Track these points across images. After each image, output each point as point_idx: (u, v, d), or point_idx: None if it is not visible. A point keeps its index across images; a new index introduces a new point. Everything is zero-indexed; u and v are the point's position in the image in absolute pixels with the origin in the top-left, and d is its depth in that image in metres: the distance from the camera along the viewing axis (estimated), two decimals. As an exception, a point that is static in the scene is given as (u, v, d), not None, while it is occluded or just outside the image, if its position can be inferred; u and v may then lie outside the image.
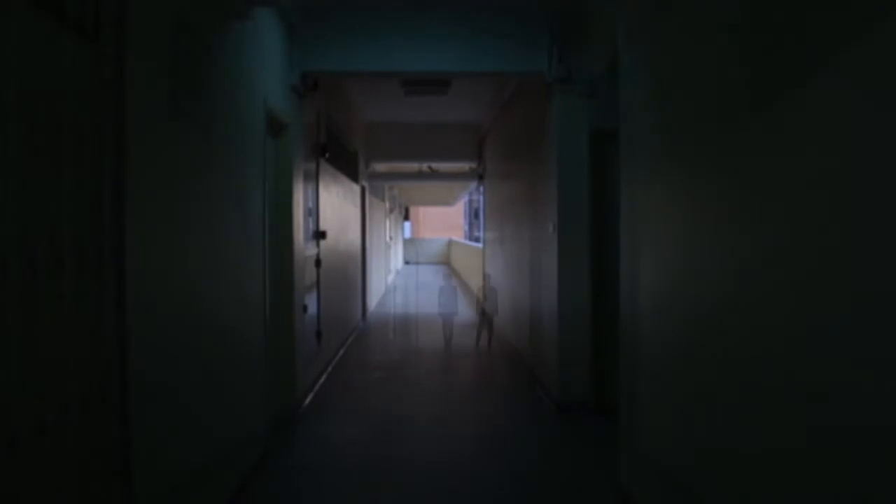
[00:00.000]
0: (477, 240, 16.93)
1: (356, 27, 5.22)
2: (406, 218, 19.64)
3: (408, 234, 19.82)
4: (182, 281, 2.66)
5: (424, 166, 12.17)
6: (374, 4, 5.24)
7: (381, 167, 11.17)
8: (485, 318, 13.82)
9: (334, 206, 6.13)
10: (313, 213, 5.23)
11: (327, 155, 6.22)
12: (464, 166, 11.77)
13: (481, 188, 13.15)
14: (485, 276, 14.36)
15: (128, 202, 2.19)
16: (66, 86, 1.89)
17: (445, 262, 24.94)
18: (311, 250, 5.14)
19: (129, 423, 2.13)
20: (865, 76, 1.42)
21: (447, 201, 21.78)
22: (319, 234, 5.94)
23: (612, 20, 4.03)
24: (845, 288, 1.49)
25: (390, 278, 12.91)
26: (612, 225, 4.36)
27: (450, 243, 26.04)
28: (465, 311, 21.03)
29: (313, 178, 5.34)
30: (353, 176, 8.09)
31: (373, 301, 8.74)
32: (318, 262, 5.29)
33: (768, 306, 1.86)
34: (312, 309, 4.99)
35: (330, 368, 6.27)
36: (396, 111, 8.74)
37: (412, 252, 22.84)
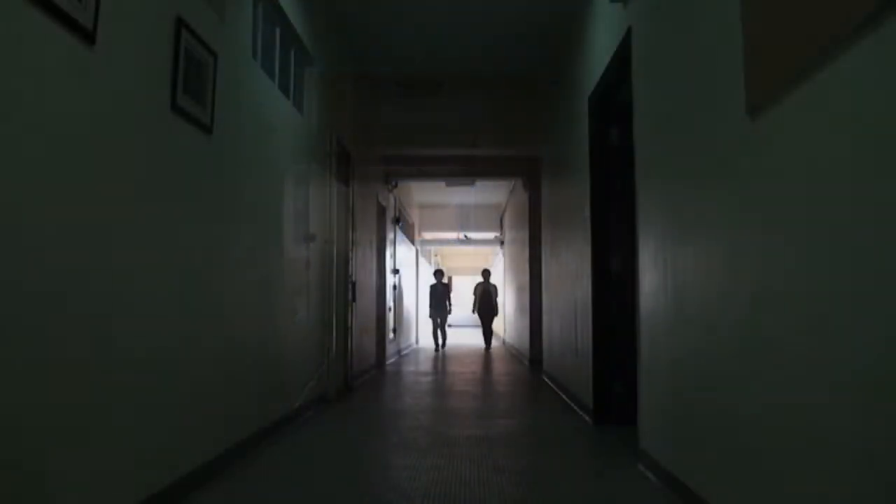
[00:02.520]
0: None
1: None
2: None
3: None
4: (174, 279, 2.65)
5: (461, 235, 15.67)
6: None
7: (428, 235, 15.27)
8: (484, 319, 12.92)
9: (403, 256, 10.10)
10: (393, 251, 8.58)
11: (400, 224, 10.02)
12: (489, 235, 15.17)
13: (502, 251, 14.48)
14: (483, 273, 13.16)
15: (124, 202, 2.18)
16: (61, 84, 1.88)
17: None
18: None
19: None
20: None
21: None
22: (395, 271, 9.45)
23: (611, 23, 4.03)
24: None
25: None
26: (617, 230, 4.36)
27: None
28: (463, 311, 20.75)
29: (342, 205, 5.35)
30: (411, 238, 12.18)
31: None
32: (353, 286, 6.02)
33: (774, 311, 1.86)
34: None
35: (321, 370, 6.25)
36: (439, 197, 12.98)
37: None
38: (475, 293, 13.22)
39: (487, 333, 12.98)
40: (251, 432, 3.51)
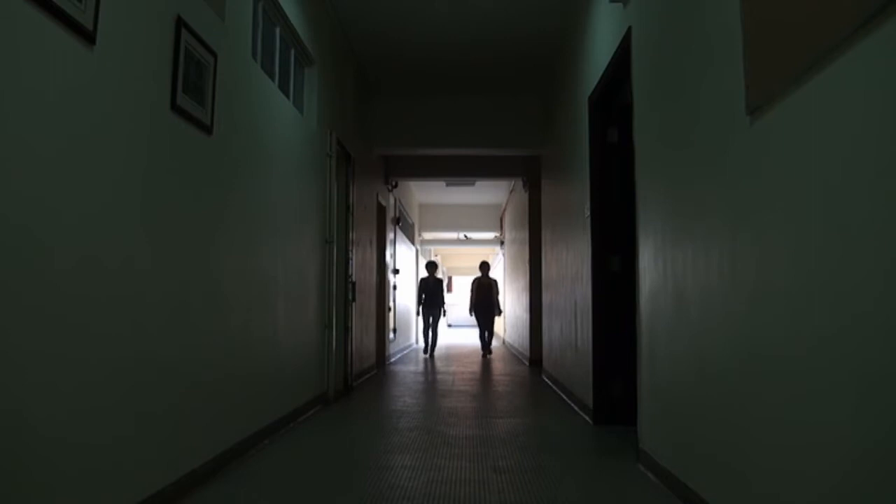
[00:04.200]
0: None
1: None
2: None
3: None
4: (170, 282, 2.65)
5: (461, 235, 15.72)
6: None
7: (428, 235, 15.46)
8: (482, 320, 10.78)
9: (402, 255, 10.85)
10: (393, 256, 9.55)
11: (400, 224, 10.37)
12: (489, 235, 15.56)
13: (502, 251, 14.39)
14: (481, 266, 11.09)
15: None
16: (61, 84, 1.88)
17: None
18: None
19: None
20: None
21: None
22: (395, 271, 9.82)
23: (611, 23, 4.03)
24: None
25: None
26: (617, 230, 4.36)
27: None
28: (460, 311, 20.26)
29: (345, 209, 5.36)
30: (411, 238, 12.38)
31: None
32: (353, 286, 6.10)
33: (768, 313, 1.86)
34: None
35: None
36: (439, 197, 13.44)
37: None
38: (472, 290, 11.17)
39: (485, 337, 10.86)
40: (251, 432, 3.51)
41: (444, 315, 10.88)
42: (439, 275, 16.38)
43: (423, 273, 13.73)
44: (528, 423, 4.52)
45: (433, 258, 20.59)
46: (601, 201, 4.43)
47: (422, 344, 14.14)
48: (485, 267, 11.13)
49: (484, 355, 10.50)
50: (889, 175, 1.34)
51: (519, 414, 4.89)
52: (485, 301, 10.85)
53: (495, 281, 11.03)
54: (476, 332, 18.20)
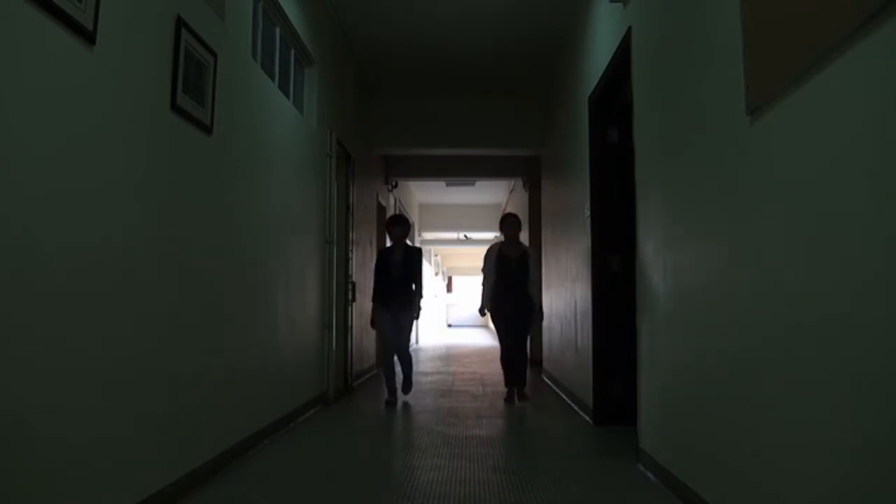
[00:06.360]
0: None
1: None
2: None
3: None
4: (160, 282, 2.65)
5: (461, 235, 15.66)
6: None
7: (428, 235, 15.58)
8: (507, 324, 5.36)
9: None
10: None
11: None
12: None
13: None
14: (503, 224, 5.57)
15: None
16: (61, 84, 1.88)
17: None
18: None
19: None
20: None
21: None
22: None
23: (611, 23, 4.03)
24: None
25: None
26: (617, 230, 4.36)
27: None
28: (460, 310, 19.38)
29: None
30: (411, 238, 11.70)
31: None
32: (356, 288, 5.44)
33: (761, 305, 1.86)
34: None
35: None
36: (439, 197, 13.45)
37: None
38: (484, 268, 5.49)
39: (513, 360, 5.43)
40: (251, 432, 3.51)
41: (418, 317, 5.56)
42: (414, 242, 11.86)
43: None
44: (528, 422, 4.52)
45: (434, 258, 20.33)
46: (601, 201, 4.43)
47: (422, 344, 13.88)
48: (511, 225, 5.54)
49: (509, 397, 5.43)
50: (889, 174, 1.34)
51: (519, 414, 4.89)
52: (512, 288, 5.39)
53: (534, 253, 5.61)
54: (480, 335, 17.25)
